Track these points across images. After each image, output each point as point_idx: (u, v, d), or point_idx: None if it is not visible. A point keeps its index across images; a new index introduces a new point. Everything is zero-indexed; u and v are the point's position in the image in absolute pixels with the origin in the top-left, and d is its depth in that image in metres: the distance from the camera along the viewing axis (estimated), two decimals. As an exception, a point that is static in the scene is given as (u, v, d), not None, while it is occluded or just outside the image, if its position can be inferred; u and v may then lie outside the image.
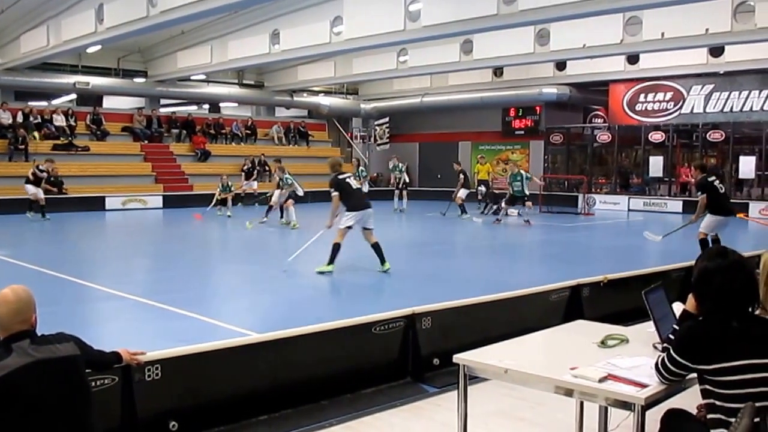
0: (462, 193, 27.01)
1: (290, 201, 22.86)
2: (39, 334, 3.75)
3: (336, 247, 13.34)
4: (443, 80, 35.07)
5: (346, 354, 6.75)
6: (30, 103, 31.53)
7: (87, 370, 4.01)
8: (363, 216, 13.43)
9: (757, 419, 3.47)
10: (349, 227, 13.40)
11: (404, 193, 30.67)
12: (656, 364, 3.85)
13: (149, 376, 5.34)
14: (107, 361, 4.60)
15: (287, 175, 23.35)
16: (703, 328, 3.75)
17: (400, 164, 31.37)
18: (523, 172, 24.98)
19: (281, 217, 23.42)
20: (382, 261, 13.66)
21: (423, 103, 37.24)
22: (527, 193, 24.43)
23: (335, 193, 13.42)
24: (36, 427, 3.53)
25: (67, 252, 18.11)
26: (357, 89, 41.23)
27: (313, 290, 12.84)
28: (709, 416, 3.70)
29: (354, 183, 13.78)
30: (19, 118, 29.94)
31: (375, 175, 38.16)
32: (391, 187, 32.23)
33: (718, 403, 3.61)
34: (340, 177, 13.53)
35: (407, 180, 31.44)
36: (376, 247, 13.65)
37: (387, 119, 37.05)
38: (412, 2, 20.82)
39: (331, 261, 13.38)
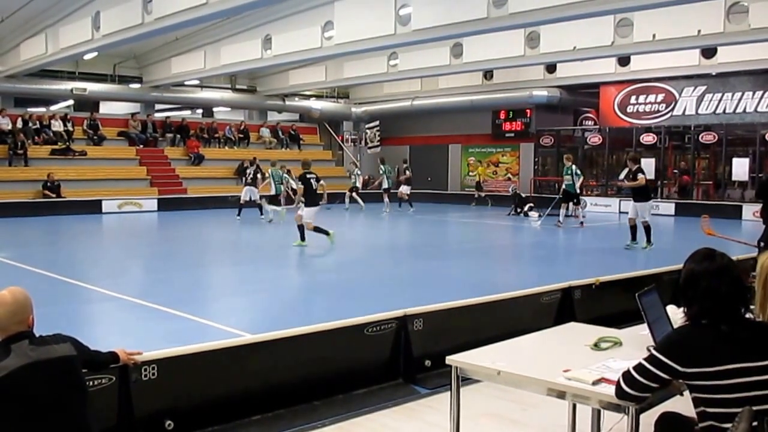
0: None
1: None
2: (37, 335, 3.78)
3: (301, 228, 17.55)
4: (433, 83, 35.17)
5: (338, 355, 6.77)
6: (29, 110, 31.80)
7: (84, 371, 4.05)
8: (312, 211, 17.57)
9: (754, 423, 3.41)
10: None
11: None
12: (626, 371, 3.71)
13: (145, 376, 5.38)
14: (104, 361, 4.63)
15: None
16: (691, 332, 3.66)
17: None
18: (574, 166, 23.84)
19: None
20: (302, 238, 17.60)
21: (413, 107, 37.31)
22: (578, 190, 23.99)
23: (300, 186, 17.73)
24: (34, 426, 3.56)
25: (65, 254, 18.21)
26: (348, 93, 41.34)
27: (305, 291, 12.94)
28: (701, 425, 3.62)
29: (314, 183, 17.61)
30: (19, 124, 30.23)
31: (366, 177, 38.22)
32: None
33: (708, 410, 3.55)
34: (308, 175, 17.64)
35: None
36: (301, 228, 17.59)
37: (378, 122, 37.13)
38: (403, 6, 20.89)
39: (303, 238, 17.58)
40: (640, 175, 17.40)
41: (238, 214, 25.12)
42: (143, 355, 5.34)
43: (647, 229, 17.52)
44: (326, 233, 17.54)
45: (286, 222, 23.01)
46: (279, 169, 25.37)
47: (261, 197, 25.33)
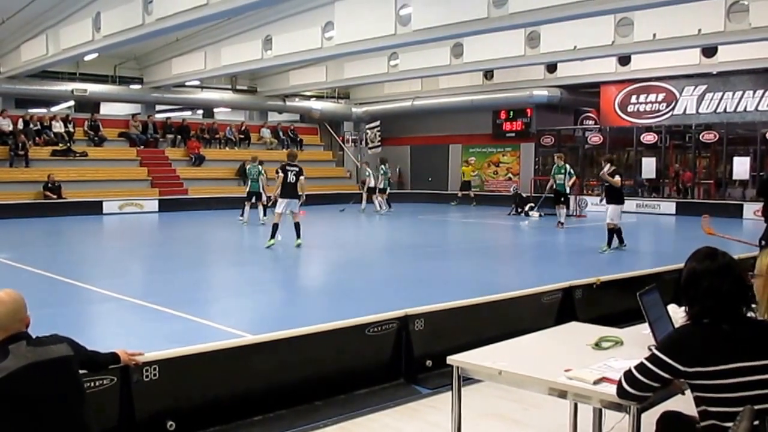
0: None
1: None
2: (33, 336, 3.79)
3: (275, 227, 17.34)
4: (434, 83, 35.21)
5: (339, 355, 6.79)
6: (30, 111, 31.94)
7: (82, 371, 4.07)
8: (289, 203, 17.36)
9: (756, 422, 3.39)
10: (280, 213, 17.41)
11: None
12: (627, 371, 3.70)
13: (147, 376, 5.39)
14: (102, 361, 4.65)
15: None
16: (693, 331, 3.64)
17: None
18: (567, 165, 23.62)
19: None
20: (298, 236, 17.40)
21: (414, 107, 37.32)
22: (567, 190, 23.52)
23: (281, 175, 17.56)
24: (34, 427, 3.57)
25: (66, 255, 18.24)
26: (348, 93, 41.36)
27: (306, 292, 12.97)
28: (702, 424, 3.61)
29: (291, 176, 17.33)
30: (20, 125, 30.30)
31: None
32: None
33: (710, 409, 3.55)
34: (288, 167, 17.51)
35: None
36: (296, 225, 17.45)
37: (378, 122, 37.08)
38: (403, 6, 20.90)
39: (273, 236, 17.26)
40: (617, 177, 17.21)
41: (242, 215, 24.91)
42: (144, 355, 5.35)
43: (617, 232, 17.20)
44: (272, 236, 17.24)
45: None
46: (257, 165, 24.71)
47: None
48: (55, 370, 3.70)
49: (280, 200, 17.46)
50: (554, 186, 23.66)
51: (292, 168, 17.45)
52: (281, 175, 17.53)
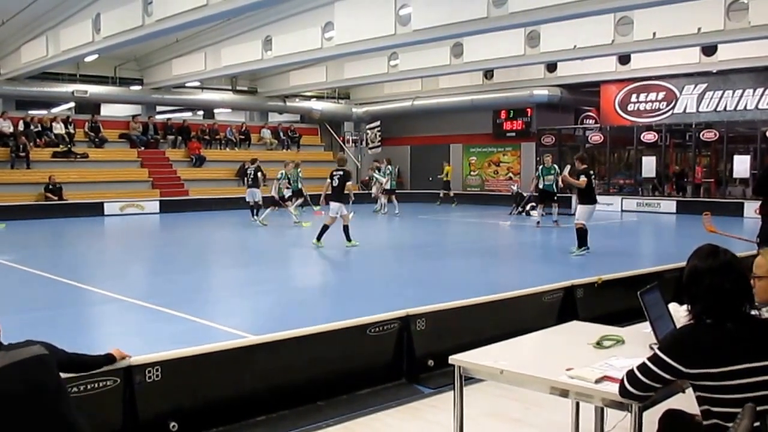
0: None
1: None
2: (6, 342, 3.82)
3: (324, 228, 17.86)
4: (434, 83, 35.21)
5: (341, 355, 6.79)
6: (30, 112, 32.05)
7: (72, 374, 4.07)
8: (333, 207, 17.77)
9: (757, 423, 3.37)
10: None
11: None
12: (630, 370, 3.68)
13: (150, 377, 5.40)
14: (91, 362, 4.66)
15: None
16: (695, 332, 3.61)
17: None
18: (555, 165, 23.63)
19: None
20: (348, 239, 17.77)
21: (414, 107, 37.35)
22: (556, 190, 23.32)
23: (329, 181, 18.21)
24: (14, 426, 3.58)
25: (68, 256, 18.26)
26: (348, 93, 41.37)
27: (308, 292, 12.94)
28: (705, 423, 3.59)
29: (335, 180, 17.90)
30: (20, 127, 30.38)
31: (367, 178, 38.16)
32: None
33: (713, 409, 3.53)
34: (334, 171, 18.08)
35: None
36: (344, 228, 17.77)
37: (378, 122, 37.03)
38: (403, 6, 20.88)
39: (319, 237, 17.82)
40: (582, 177, 16.40)
41: (252, 216, 24.93)
42: (147, 356, 5.38)
43: (582, 231, 16.53)
44: (318, 238, 17.79)
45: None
46: (288, 168, 24.90)
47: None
48: (30, 369, 3.71)
49: (331, 204, 17.93)
50: (542, 186, 23.54)
51: (337, 172, 18.06)
52: (327, 180, 18.34)
